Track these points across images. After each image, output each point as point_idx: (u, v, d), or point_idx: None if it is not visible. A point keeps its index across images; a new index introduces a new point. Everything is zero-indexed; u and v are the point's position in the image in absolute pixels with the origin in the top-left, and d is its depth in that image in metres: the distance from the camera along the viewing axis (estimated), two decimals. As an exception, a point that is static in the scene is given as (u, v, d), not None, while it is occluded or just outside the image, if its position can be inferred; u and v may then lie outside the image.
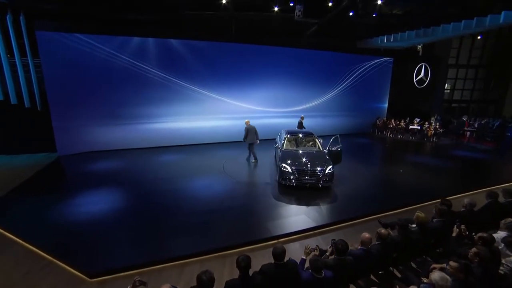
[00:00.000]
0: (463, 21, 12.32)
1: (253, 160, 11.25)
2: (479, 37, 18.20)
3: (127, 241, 5.71)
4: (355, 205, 7.48)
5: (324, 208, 7.30)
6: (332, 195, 8.14)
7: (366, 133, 18.42)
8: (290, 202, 7.57)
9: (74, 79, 11.27)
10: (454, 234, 4.57)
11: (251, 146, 11.19)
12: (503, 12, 11.25)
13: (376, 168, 11.19)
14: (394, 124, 17.73)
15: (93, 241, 5.66)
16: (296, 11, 13.41)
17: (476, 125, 17.52)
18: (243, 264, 3.43)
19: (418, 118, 17.73)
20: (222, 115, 14.27)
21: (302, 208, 7.27)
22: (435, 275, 3.38)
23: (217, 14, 14.08)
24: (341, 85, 17.32)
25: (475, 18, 11.96)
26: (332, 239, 4.15)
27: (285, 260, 3.74)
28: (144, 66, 12.29)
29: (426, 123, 17.19)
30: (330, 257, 4.10)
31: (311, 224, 6.51)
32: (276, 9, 13.93)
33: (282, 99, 15.59)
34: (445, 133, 17.40)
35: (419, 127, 17.06)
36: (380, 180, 9.77)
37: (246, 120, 11.25)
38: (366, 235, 4.24)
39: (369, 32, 16.27)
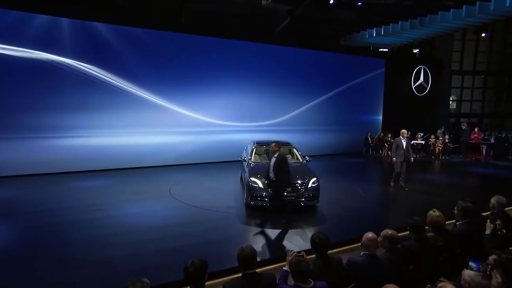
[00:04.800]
0: (464, 7, 13.32)
1: None
2: (483, 34, 19.71)
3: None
4: (351, 227, 7.47)
5: (309, 231, 7.13)
6: (319, 216, 8.09)
7: (358, 152, 18.73)
8: (263, 226, 7.34)
9: None
10: (487, 232, 4.43)
11: None
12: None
13: (374, 189, 11.45)
14: (392, 140, 18.16)
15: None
16: (264, -6, 13.84)
17: (492, 140, 18.49)
18: (192, 269, 2.98)
19: (422, 132, 18.35)
20: (169, 128, 13.89)
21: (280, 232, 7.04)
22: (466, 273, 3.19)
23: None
24: (324, 92, 17.75)
25: (477, 2, 13.00)
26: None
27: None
28: (54, 57, 11.65)
29: (432, 136, 17.81)
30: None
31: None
32: (237, -8, 14.31)
33: (249, 109, 15.60)
34: (455, 149, 18.09)
35: (423, 142, 17.61)
36: (381, 200, 10.05)
37: None
38: (369, 235, 3.96)
39: (354, 25, 17.10)
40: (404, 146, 10.60)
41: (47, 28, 11.58)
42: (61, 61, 11.81)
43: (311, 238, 3.92)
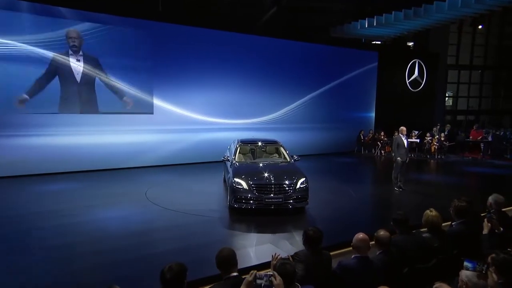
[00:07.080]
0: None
1: None
2: (480, 27, 20.18)
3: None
4: (342, 229, 7.48)
5: (297, 234, 7.11)
6: (308, 218, 8.15)
7: (350, 152, 18.94)
8: (248, 230, 7.51)
9: None
10: (485, 231, 4.52)
11: None
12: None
13: (367, 190, 11.71)
14: (385, 138, 18.41)
15: None
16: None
17: (490, 138, 18.87)
18: (170, 275, 2.95)
19: (416, 130, 18.62)
20: (146, 126, 13.79)
21: (266, 236, 7.11)
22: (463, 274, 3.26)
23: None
24: (314, 88, 17.89)
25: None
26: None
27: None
28: (9, 42, 11.28)
29: (428, 134, 18.11)
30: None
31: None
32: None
33: (233, 106, 15.61)
34: (452, 148, 18.42)
35: (418, 140, 17.89)
36: (374, 201, 10.27)
37: None
38: (360, 235, 4.02)
39: (345, 16, 17.27)
40: (406, 145, 10.60)
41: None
42: (19, 46, 11.46)
43: (304, 231, 4.09)
